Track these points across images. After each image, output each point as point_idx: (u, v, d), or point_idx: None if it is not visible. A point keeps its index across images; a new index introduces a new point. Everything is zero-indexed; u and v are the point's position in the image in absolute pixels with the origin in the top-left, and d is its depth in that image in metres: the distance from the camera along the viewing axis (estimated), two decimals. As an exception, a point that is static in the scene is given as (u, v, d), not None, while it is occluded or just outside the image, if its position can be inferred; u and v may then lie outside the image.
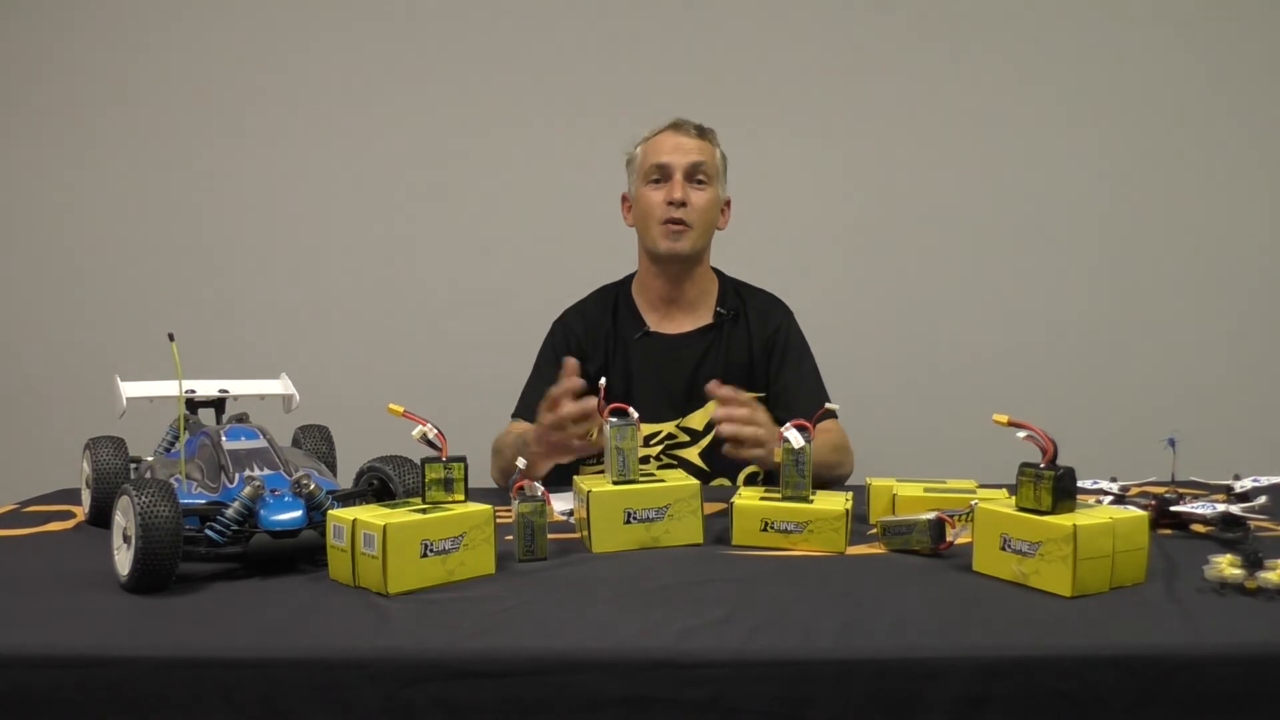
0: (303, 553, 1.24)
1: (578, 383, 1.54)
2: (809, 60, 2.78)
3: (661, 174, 1.88)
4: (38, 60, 2.84)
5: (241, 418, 1.45)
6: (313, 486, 1.24)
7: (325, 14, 2.81)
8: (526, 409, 1.90)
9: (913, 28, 2.77)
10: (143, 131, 2.83)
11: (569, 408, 1.52)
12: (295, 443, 1.53)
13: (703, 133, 1.93)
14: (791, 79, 2.78)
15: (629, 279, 2.03)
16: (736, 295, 1.99)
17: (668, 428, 1.89)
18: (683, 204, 1.86)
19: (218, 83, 2.83)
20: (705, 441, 1.89)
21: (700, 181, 1.88)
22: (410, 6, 2.81)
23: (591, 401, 1.51)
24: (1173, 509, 1.39)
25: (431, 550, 1.16)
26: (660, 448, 1.89)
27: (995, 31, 2.77)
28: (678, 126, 1.92)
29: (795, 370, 1.92)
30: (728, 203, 1.98)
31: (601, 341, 1.96)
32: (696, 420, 1.90)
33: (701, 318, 1.95)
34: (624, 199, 1.98)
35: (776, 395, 1.90)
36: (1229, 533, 1.34)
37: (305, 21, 2.82)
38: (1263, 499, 1.37)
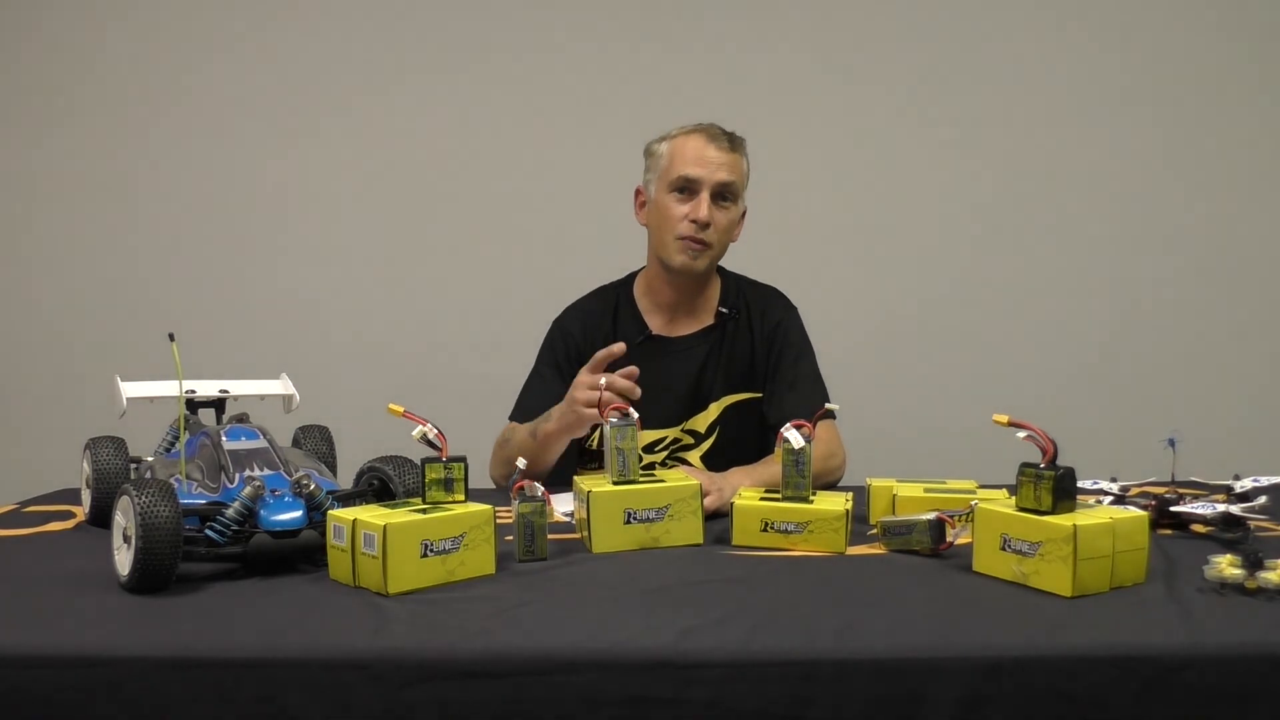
0: (303, 553, 1.24)
1: (621, 347, 1.62)
2: (815, 59, 2.78)
3: (688, 187, 1.79)
4: (38, 60, 2.84)
5: (241, 418, 1.45)
6: (313, 486, 1.24)
7: (328, 15, 2.81)
8: (524, 411, 1.89)
9: (920, 27, 2.77)
10: (143, 132, 2.84)
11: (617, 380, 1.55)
12: (295, 443, 1.53)
13: (734, 144, 1.83)
14: (796, 77, 2.78)
15: (631, 279, 1.98)
16: (739, 293, 1.94)
17: (673, 433, 1.87)
18: (707, 225, 1.78)
19: (218, 83, 2.83)
20: (708, 444, 1.87)
21: (726, 201, 1.81)
22: (412, 6, 2.81)
23: (635, 370, 1.57)
24: (1173, 509, 1.39)
25: (431, 550, 1.16)
26: (666, 454, 1.87)
27: (1002, 31, 2.77)
28: (711, 135, 1.80)
29: (791, 368, 1.87)
30: (743, 214, 1.90)
31: (602, 344, 1.93)
32: (699, 423, 1.88)
33: (704, 319, 1.91)
34: (638, 193, 1.90)
35: (771, 392, 1.87)
36: (1229, 533, 1.34)
37: (307, 22, 2.82)
38: (1263, 499, 1.36)
